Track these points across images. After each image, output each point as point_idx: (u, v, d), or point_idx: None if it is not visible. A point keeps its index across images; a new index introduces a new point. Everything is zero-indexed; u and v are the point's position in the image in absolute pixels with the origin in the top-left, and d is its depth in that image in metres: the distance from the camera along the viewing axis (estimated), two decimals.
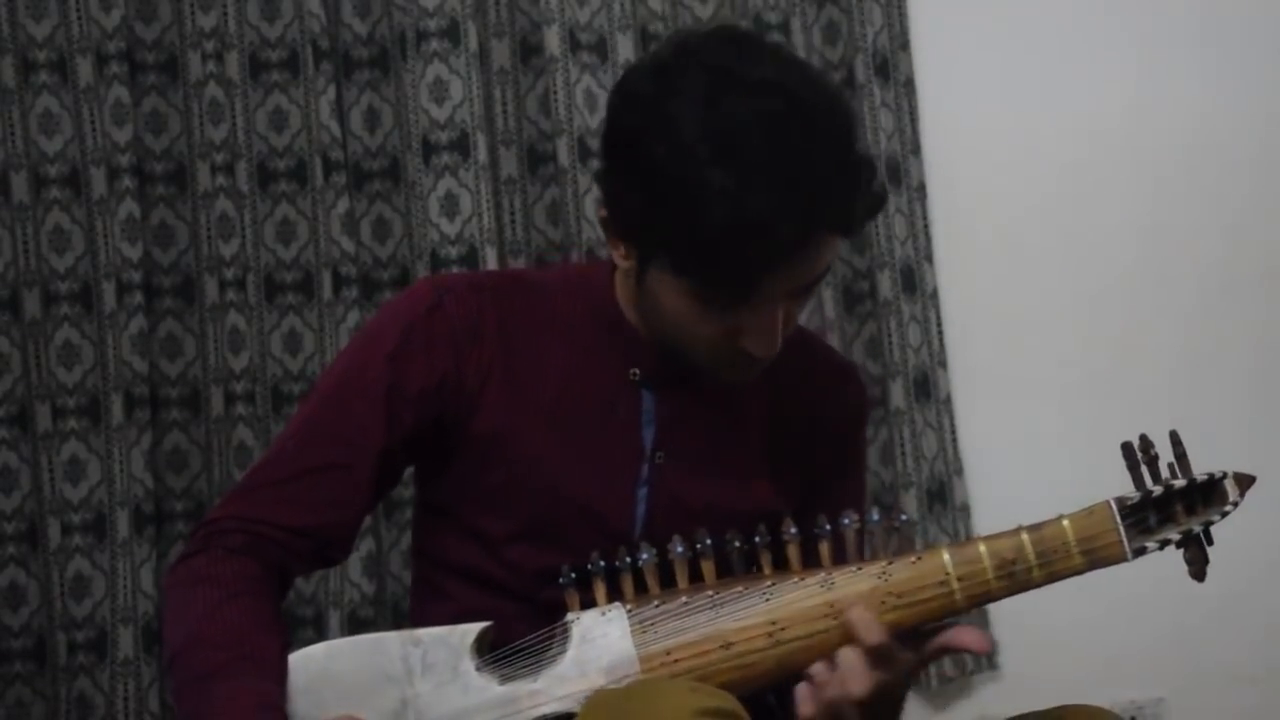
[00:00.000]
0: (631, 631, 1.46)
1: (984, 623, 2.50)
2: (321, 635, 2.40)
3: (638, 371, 1.56)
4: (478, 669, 1.47)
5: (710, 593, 1.46)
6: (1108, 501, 1.46)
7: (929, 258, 2.62)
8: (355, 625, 2.39)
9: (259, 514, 1.55)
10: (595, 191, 2.23)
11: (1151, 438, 1.47)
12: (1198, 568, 1.47)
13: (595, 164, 2.30)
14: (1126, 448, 1.47)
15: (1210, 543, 1.48)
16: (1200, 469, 1.48)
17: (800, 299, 1.47)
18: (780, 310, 1.45)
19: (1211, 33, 2.68)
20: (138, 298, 2.39)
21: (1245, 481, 1.47)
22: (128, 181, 2.39)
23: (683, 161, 1.37)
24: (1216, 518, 1.47)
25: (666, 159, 1.38)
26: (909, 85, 2.62)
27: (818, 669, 1.42)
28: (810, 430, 1.65)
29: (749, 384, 1.57)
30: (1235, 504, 1.46)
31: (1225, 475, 1.47)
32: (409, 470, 1.67)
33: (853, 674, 1.41)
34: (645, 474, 1.57)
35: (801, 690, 1.44)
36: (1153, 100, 2.67)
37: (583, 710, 1.41)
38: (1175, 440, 1.47)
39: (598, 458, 1.56)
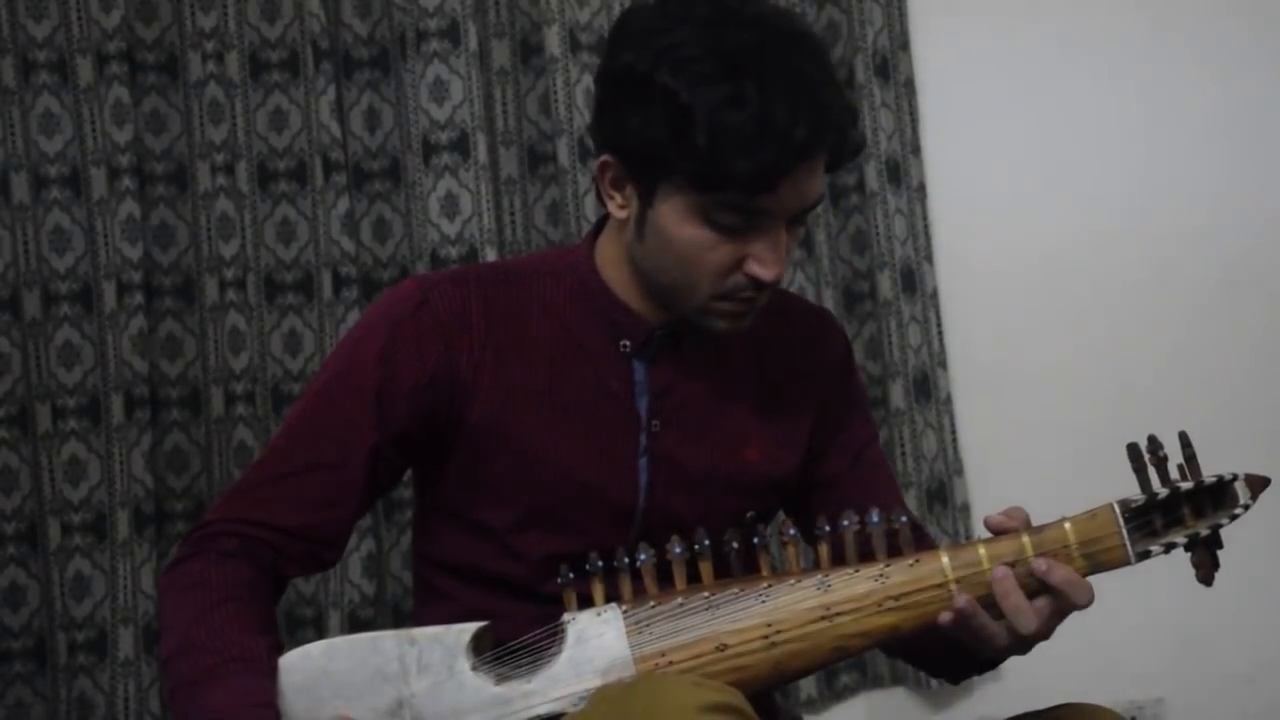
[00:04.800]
0: (627, 632, 1.45)
1: None
2: (321, 635, 2.40)
3: (628, 343, 1.58)
4: (473, 669, 1.46)
5: (706, 594, 1.46)
6: (1111, 504, 1.44)
7: (929, 258, 2.63)
8: (355, 625, 2.39)
9: (251, 515, 1.55)
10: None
11: (1160, 438, 1.45)
12: (1205, 572, 1.46)
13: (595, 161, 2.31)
14: (1133, 449, 1.45)
15: (1220, 546, 1.46)
16: (1209, 470, 1.46)
17: (794, 228, 1.52)
18: (784, 232, 1.49)
19: (1209, 31, 2.68)
20: (138, 298, 2.39)
21: (1258, 484, 1.45)
22: (128, 181, 2.39)
23: (696, 79, 1.43)
24: (1225, 521, 1.45)
25: (679, 80, 1.44)
26: (909, 85, 2.62)
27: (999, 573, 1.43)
28: (803, 382, 1.67)
29: (736, 347, 1.61)
30: (1246, 506, 1.44)
31: (1236, 477, 1.45)
32: (408, 471, 1.67)
33: (1021, 615, 1.43)
34: (643, 444, 1.59)
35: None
36: (1155, 100, 2.68)
37: (588, 705, 1.42)
38: (1185, 441, 1.46)
39: (595, 434, 1.58)
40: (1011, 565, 1.44)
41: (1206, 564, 1.46)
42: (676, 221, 1.48)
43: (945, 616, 1.44)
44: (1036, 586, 1.43)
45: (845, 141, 1.50)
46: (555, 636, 1.48)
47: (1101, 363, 2.66)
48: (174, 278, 2.45)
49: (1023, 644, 1.46)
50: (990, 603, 1.44)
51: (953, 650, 1.52)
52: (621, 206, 1.54)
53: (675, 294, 1.53)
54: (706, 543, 1.48)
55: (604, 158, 1.53)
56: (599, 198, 1.57)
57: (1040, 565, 1.43)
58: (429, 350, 1.56)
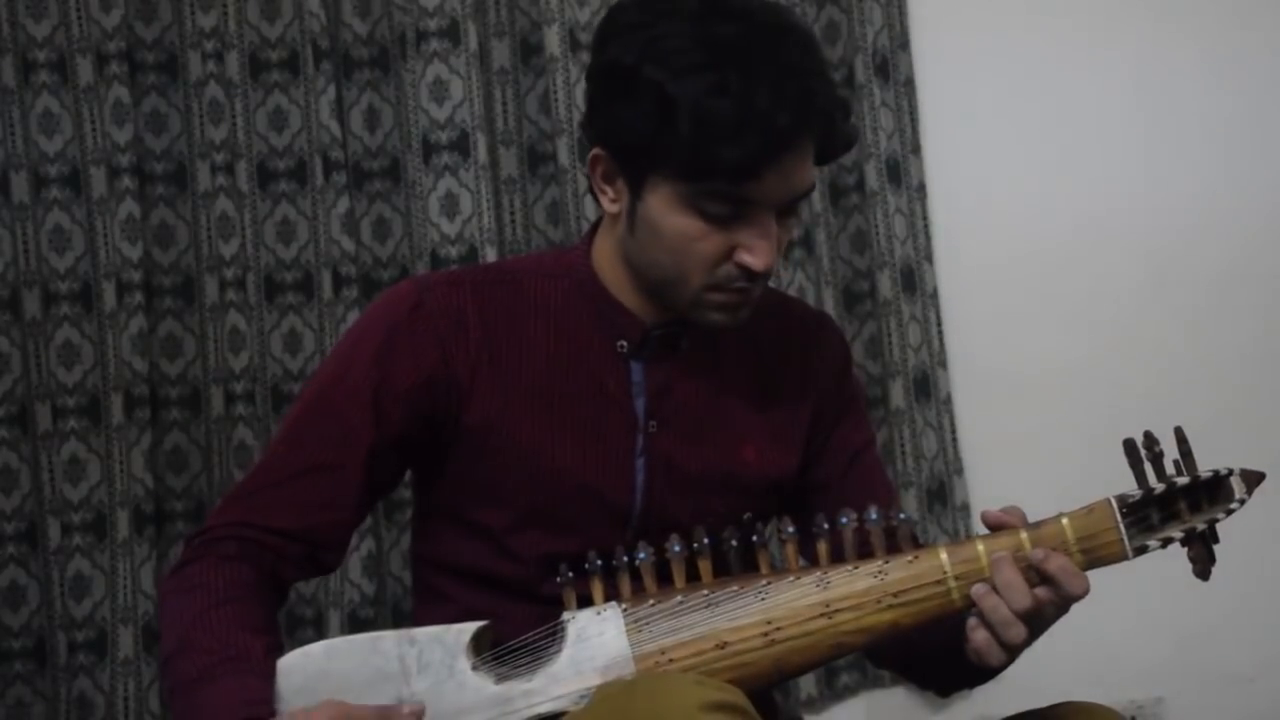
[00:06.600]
0: (626, 631, 1.45)
1: None
2: (321, 635, 2.40)
3: (624, 344, 1.59)
4: (473, 668, 1.47)
5: (706, 592, 1.46)
6: (1108, 499, 1.45)
7: (929, 258, 2.63)
8: (355, 625, 2.39)
9: (251, 519, 1.55)
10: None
11: (1156, 434, 1.46)
12: (1201, 566, 1.46)
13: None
14: (1129, 445, 1.45)
15: (1216, 540, 1.46)
16: (1205, 466, 1.46)
17: (786, 220, 1.52)
18: (773, 221, 1.49)
19: (1210, 25, 2.68)
20: (138, 298, 2.39)
21: (1253, 478, 1.45)
22: (128, 181, 2.39)
23: (681, 70, 1.44)
24: (1221, 515, 1.45)
25: (665, 71, 1.45)
26: (909, 85, 2.62)
27: (979, 590, 1.44)
28: (800, 384, 1.67)
29: (733, 348, 1.62)
30: (1242, 501, 1.45)
31: (1231, 472, 1.45)
32: (407, 472, 1.68)
33: (1014, 590, 1.42)
34: (640, 444, 1.59)
35: (970, 620, 1.45)
36: (1153, 99, 2.68)
37: (589, 704, 1.42)
38: (1180, 437, 1.46)
39: (592, 434, 1.58)
40: None
41: (1203, 559, 1.46)
42: (665, 212, 1.49)
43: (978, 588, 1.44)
44: (1034, 578, 1.43)
45: (833, 131, 1.51)
46: (555, 635, 1.48)
47: (1101, 362, 2.66)
48: (174, 277, 2.45)
49: (1013, 645, 1.45)
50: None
51: (944, 658, 1.52)
52: (613, 201, 1.55)
53: (668, 287, 1.53)
54: (706, 541, 1.48)
55: (595, 152, 1.54)
56: (592, 193, 1.58)
57: (1037, 554, 1.43)
58: (425, 352, 1.56)
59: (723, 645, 1.44)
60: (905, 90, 2.62)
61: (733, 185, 1.46)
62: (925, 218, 2.63)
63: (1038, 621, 1.44)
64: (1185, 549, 1.46)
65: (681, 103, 1.43)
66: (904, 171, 2.61)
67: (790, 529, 1.49)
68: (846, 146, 1.57)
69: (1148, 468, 1.45)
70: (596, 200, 1.57)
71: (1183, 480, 1.45)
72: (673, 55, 1.45)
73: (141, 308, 2.40)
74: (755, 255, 1.49)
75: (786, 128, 1.44)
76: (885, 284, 2.58)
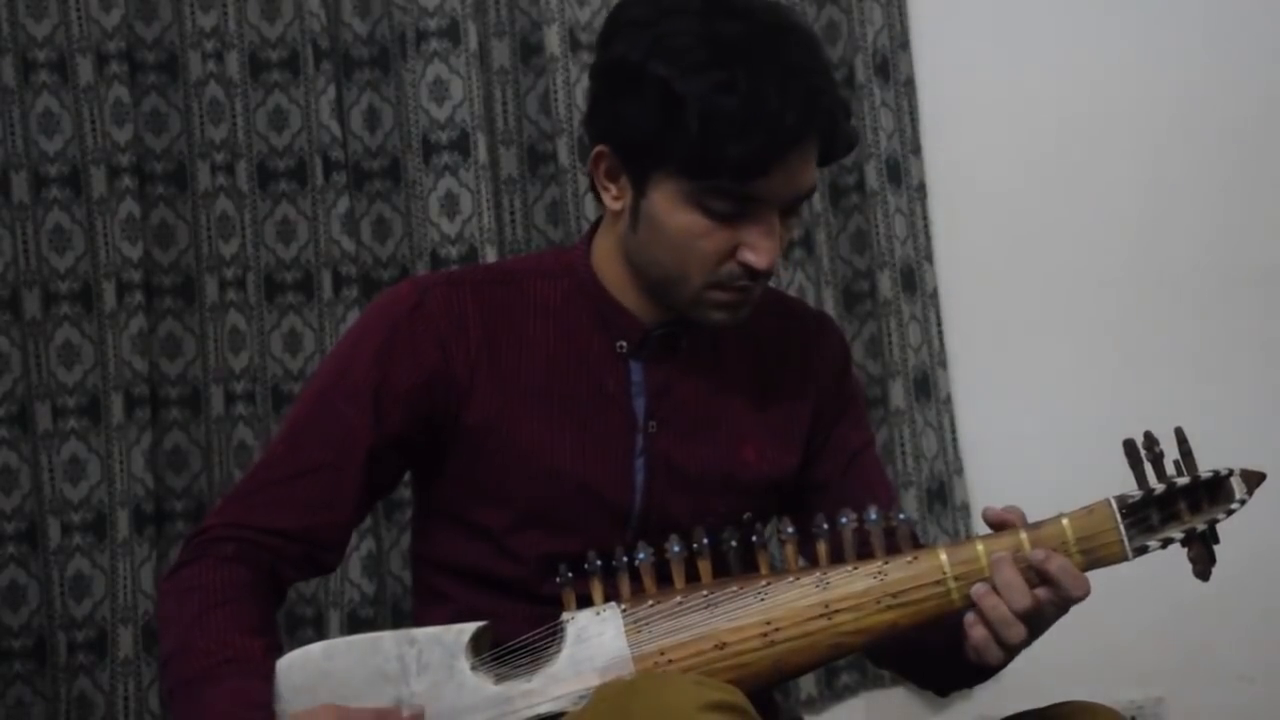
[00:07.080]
0: (626, 631, 1.46)
1: None
2: (321, 635, 2.40)
3: (624, 344, 1.59)
4: (473, 668, 1.47)
5: (705, 592, 1.46)
6: (1108, 500, 1.45)
7: (929, 258, 2.63)
8: (355, 625, 2.39)
9: (249, 519, 1.56)
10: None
11: (1156, 434, 1.46)
12: (1202, 567, 1.46)
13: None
14: (1129, 445, 1.46)
15: (1216, 541, 1.46)
16: (1205, 466, 1.46)
17: (788, 219, 1.53)
18: (777, 220, 1.50)
19: (1213, 29, 2.68)
20: (138, 297, 2.39)
21: (1254, 479, 1.45)
22: (128, 181, 2.39)
23: (687, 67, 1.45)
24: (1222, 516, 1.45)
25: (671, 69, 1.45)
26: (909, 85, 2.62)
27: (978, 589, 1.43)
28: (800, 383, 1.68)
29: (733, 348, 1.62)
30: (1243, 501, 1.45)
31: (1232, 472, 1.45)
32: (406, 473, 1.68)
33: (1013, 590, 1.42)
34: (640, 445, 1.59)
35: (968, 616, 1.45)
36: (1153, 100, 2.68)
37: (588, 704, 1.42)
38: (1181, 437, 1.46)
39: (592, 434, 1.58)
40: None
41: (1203, 559, 1.46)
42: (669, 209, 1.49)
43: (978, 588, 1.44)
44: (1034, 578, 1.43)
45: (836, 130, 1.52)
46: (554, 636, 1.48)
47: (1101, 363, 2.66)
48: (174, 277, 2.45)
49: (1012, 644, 1.45)
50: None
51: (944, 658, 1.52)
52: (616, 198, 1.55)
53: (669, 285, 1.54)
54: (705, 541, 1.48)
55: (598, 149, 1.54)
56: (593, 191, 1.58)
57: (1038, 555, 1.43)
58: (425, 352, 1.56)
59: (722, 646, 1.45)
60: (905, 90, 2.62)
61: (739, 183, 1.46)
62: (925, 218, 2.63)
63: (1037, 621, 1.44)
64: (1185, 549, 1.46)
65: (689, 100, 1.44)
66: (904, 171, 2.61)
67: (790, 529, 1.49)
68: (848, 148, 1.57)
69: (1148, 468, 1.46)
70: (598, 198, 1.57)
71: (1183, 481, 1.45)
72: (679, 53, 1.45)
73: (141, 308, 2.40)
74: (758, 254, 1.50)
75: (794, 125, 1.45)
76: (885, 284, 2.58)
